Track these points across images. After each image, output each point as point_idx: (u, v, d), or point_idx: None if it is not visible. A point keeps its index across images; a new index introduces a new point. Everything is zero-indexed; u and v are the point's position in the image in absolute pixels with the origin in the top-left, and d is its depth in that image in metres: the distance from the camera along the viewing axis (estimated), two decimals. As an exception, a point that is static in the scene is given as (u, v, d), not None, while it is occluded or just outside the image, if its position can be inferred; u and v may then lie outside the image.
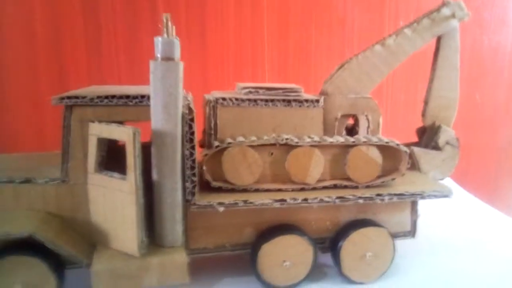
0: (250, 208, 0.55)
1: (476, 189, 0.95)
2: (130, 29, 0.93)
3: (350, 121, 0.69)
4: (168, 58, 0.47)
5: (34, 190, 0.52)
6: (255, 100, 0.58)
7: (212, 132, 0.57)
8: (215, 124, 0.57)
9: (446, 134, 0.69)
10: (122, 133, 0.47)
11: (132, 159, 0.47)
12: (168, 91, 0.47)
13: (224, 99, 0.57)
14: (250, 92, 0.59)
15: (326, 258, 0.63)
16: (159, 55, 0.47)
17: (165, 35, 0.47)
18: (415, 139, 0.74)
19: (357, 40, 0.98)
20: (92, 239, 0.53)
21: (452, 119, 0.71)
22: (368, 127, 0.65)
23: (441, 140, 0.69)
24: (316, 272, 0.60)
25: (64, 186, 0.52)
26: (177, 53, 0.48)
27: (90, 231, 0.53)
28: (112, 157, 0.52)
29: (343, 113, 0.64)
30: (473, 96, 1.05)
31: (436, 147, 0.70)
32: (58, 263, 0.52)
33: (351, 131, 0.69)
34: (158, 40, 0.47)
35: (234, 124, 0.58)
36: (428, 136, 0.71)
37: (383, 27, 0.98)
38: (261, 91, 0.59)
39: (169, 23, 0.47)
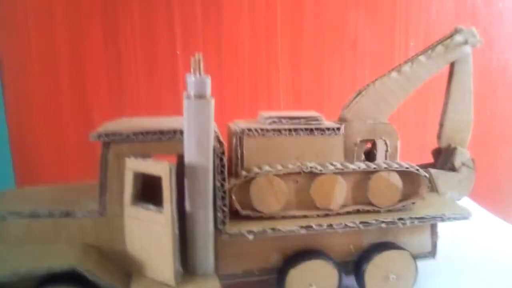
0: (273, 236, 0.57)
1: (489, 205, 0.96)
2: (149, 57, 0.97)
3: (368, 145, 0.71)
4: (200, 96, 0.50)
5: (73, 223, 0.54)
6: (279, 130, 0.60)
7: (239, 161, 0.60)
8: (242, 154, 0.59)
9: (462, 156, 0.72)
10: (158, 169, 0.50)
11: (168, 193, 0.49)
12: (200, 127, 0.50)
13: (250, 130, 0.59)
14: (274, 122, 0.61)
15: (350, 280, 0.64)
16: (192, 93, 0.50)
17: (197, 74, 0.50)
18: (426, 159, 0.76)
19: (368, 61, 1.01)
20: (128, 269, 0.55)
21: (467, 141, 0.73)
22: (387, 151, 0.67)
23: (457, 162, 0.71)
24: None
25: (101, 219, 0.54)
26: (209, 91, 0.50)
27: (126, 261, 0.55)
28: (146, 186, 0.54)
29: (362, 138, 0.66)
30: (483, 111, 1.08)
31: (453, 169, 0.72)
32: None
33: (369, 155, 0.71)
34: (191, 79, 0.50)
35: (259, 153, 0.60)
36: (444, 157, 0.74)
37: (394, 49, 1.01)
38: (284, 120, 0.61)
39: (201, 63, 0.50)
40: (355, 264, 0.63)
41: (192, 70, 0.51)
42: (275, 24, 0.98)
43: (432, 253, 0.67)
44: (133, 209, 0.53)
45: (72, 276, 0.52)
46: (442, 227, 0.66)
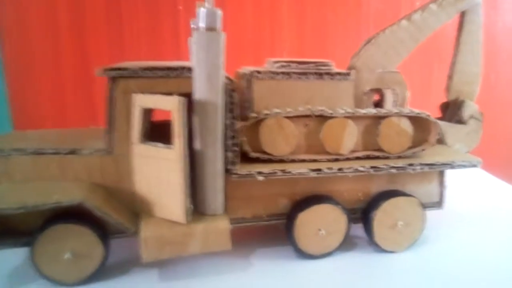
0: (285, 178, 0.57)
1: (490, 166, 0.96)
2: (151, 12, 0.95)
3: (376, 97, 0.70)
4: (211, 29, 0.48)
5: (79, 161, 0.53)
6: (288, 73, 0.59)
7: (248, 104, 0.59)
8: (250, 96, 0.58)
9: (470, 108, 0.71)
10: (168, 103, 0.49)
11: (179, 127, 0.48)
12: (211, 61, 0.49)
13: (259, 72, 0.58)
14: (283, 66, 0.60)
15: (356, 230, 0.64)
16: (202, 25, 0.48)
17: (209, 5, 0.48)
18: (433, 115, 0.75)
19: (373, 21, 1.00)
20: (135, 209, 0.54)
21: (475, 94, 0.73)
22: (395, 101, 0.67)
23: (466, 114, 0.71)
24: (347, 242, 0.62)
25: (108, 157, 0.53)
26: (219, 24, 0.49)
27: (133, 200, 0.54)
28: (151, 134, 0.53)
29: (370, 87, 0.66)
30: (488, 76, 1.07)
31: (461, 121, 0.71)
32: (104, 232, 0.53)
33: (377, 106, 0.70)
34: (201, 11, 0.48)
35: (268, 96, 0.59)
36: (452, 110, 0.73)
37: (400, 9, 0.99)
38: (293, 65, 0.60)
39: (212, -6, 0.49)
40: (363, 212, 0.63)
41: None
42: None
43: (439, 203, 0.66)
44: (142, 146, 0.52)
45: (78, 214, 0.51)
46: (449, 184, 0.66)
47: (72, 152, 0.53)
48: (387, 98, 0.68)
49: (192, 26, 0.65)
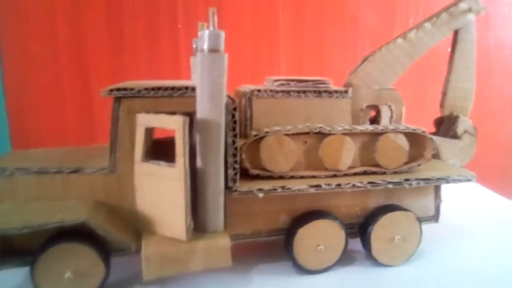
0: (285, 194, 0.58)
1: (484, 179, 0.98)
2: (150, 31, 0.96)
3: (372, 114, 0.72)
4: (214, 50, 0.50)
5: (83, 180, 0.54)
6: (288, 92, 0.60)
7: (248, 122, 0.60)
8: (251, 115, 0.60)
9: (464, 124, 0.73)
10: (172, 122, 0.49)
11: (182, 146, 0.49)
12: (214, 82, 0.50)
13: (259, 90, 0.59)
14: (282, 84, 0.61)
15: (354, 244, 0.65)
16: (205, 47, 0.50)
17: (212, 28, 0.50)
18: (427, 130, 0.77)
19: (369, 37, 1.02)
20: (137, 226, 0.55)
21: (469, 109, 0.74)
22: (392, 117, 0.68)
23: (460, 129, 0.72)
24: (345, 256, 0.63)
25: (112, 175, 0.54)
26: (222, 45, 0.50)
27: (135, 218, 0.55)
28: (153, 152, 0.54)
29: (367, 104, 0.67)
30: (481, 91, 1.09)
31: (455, 136, 0.73)
32: (105, 251, 0.54)
33: (374, 122, 0.71)
34: (205, 33, 0.50)
35: (268, 114, 0.60)
36: (446, 126, 0.75)
37: (394, 25, 1.02)
38: (292, 83, 0.62)
39: (215, 17, 0.50)
40: (361, 226, 0.64)
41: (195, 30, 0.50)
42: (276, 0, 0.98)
43: (435, 217, 0.68)
44: (144, 165, 0.53)
45: (80, 232, 0.52)
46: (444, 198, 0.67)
47: (76, 171, 0.53)
48: (383, 114, 0.70)
49: (194, 45, 0.67)
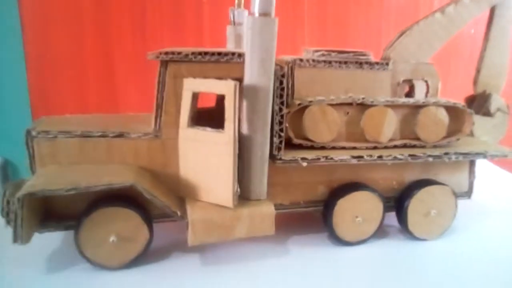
0: (324, 165, 0.58)
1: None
2: (174, 5, 0.94)
3: (406, 90, 0.71)
4: (265, 14, 0.49)
5: (127, 145, 0.53)
6: (330, 62, 0.60)
7: (289, 92, 0.59)
8: (292, 84, 0.59)
9: (497, 101, 0.73)
10: (223, 87, 0.49)
11: (232, 111, 0.49)
12: (264, 46, 0.49)
13: (301, 60, 0.59)
14: (323, 54, 0.61)
15: (386, 219, 0.65)
16: (256, 11, 0.49)
17: (263, -9, 0.49)
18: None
19: (394, 16, 1.01)
20: (180, 193, 0.55)
21: (501, 87, 0.74)
22: (428, 92, 0.68)
23: (493, 107, 0.72)
24: (379, 230, 0.63)
25: (156, 140, 0.53)
26: (273, 9, 0.49)
27: (179, 184, 0.54)
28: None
29: (404, 78, 0.66)
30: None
31: (487, 114, 0.73)
32: (149, 216, 0.54)
33: (408, 96, 0.71)
34: (257, -3, 0.49)
35: (309, 84, 0.60)
36: (478, 103, 0.74)
37: (418, 5, 1.01)
38: (333, 54, 0.61)
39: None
40: (397, 200, 0.64)
41: None
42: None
43: (468, 193, 0.68)
44: (190, 130, 0.52)
45: (121, 197, 0.52)
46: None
47: (120, 135, 0.53)
48: (417, 89, 0.69)
49: (230, 15, 0.66)
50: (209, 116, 0.54)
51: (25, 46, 0.91)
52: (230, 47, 0.68)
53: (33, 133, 0.52)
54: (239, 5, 0.67)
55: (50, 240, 0.58)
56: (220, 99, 0.67)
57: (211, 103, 0.69)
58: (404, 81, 0.67)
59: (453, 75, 0.74)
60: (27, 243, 0.49)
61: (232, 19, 0.66)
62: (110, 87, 0.95)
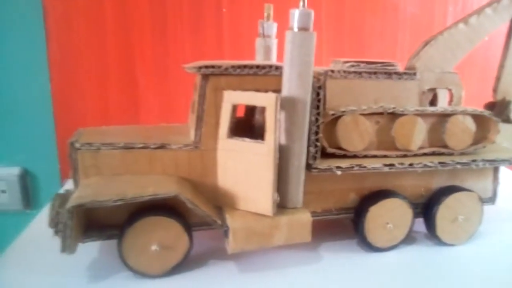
0: (356, 174, 0.59)
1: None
2: (194, 13, 0.96)
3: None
4: (304, 28, 0.50)
5: (168, 155, 0.55)
6: (359, 73, 0.61)
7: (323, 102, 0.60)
8: (324, 95, 0.60)
9: (517, 108, 0.74)
10: (263, 99, 0.50)
11: (273, 123, 0.50)
12: (303, 60, 0.51)
13: (333, 71, 0.60)
14: (353, 65, 0.62)
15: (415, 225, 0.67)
16: (295, 26, 0.50)
17: (302, 7, 0.50)
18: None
19: (409, 25, 1.03)
20: (217, 202, 0.56)
21: (521, 95, 0.76)
22: (452, 100, 0.70)
23: (512, 114, 0.74)
24: (408, 236, 0.64)
25: (196, 151, 0.55)
26: (311, 24, 0.51)
27: (217, 194, 0.56)
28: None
29: (429, 87, 0.68)
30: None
31: (507, 121, 0.74)
32: (189, 224, 0.55)
33: (432, 105, 0.73)
34: (296, 12, 0.50)
35: (340, 95, 0.61)
36: (498, 110, 0.76)
37: (434, 14, 1.03)
38: (362, 64, 0.63)
39: (306, -4, 0.51)
40: (424, 206, 0.65)
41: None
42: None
43: (492, 199, 0.70)
44: (229, 141, 0.53)
45: (164, 207, 0.53)
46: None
47: (162, 146, 0.54)
48: (440, 98, 0.71)
49: (260, 28, 0.68)
50: (239, 126, 0.55)
51: (49, 55, 0.92)
52: (259, 58, 0.69)
53: (77, 145, 0.53)
54: (268, 18, 0.68)
55: (88, 250, 0.60)
56: (250, 110, 0.68)
57: (240, 113, 0.71)
58: (429, 89, 0.69)
59: (467, 82, 0.76)
60: (74, 252, 0.50)
61: (261, 31, 0.68)
62: (132, 95, 0.97)
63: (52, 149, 0.96)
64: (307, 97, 0.52)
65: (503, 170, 0.70)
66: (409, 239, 0.65)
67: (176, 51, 0.96)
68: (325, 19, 1.00)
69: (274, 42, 0.71)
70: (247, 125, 0.67)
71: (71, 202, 0.48)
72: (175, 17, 0.95)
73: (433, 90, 0.71)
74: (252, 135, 0.53)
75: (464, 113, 0.62)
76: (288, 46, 0.51)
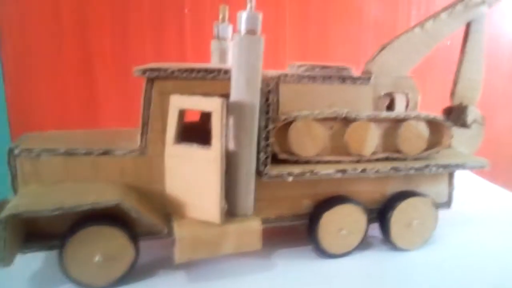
0: (310, 180, 0.58)
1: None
2: (156, 14, 0.94)
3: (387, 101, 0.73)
4: (252, 32, 0.49)
5: (112, 162, 0.53)
6: (313, 77, 0.61)
7: (274, 107, 0.59)
8: (277, 99, 0.59)
9: (473, 114, 0.75)
10: (209, 104, 0.49)
11: (219, 129, 0.49)
12: (251, 64, 0.50)
13: (286, 75, 0.59)
14: (307, 69, 0.61)
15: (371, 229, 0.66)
16: (243, 29, 0.49)
17: (249, 9, 0.49)
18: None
19: (372, 29, 1.03)
20: (165, 209, 0.54)
21: (477, 99, 0.76)
22: (408, 105, 0.70)
23: (469, 119, 0.75)
24: (363, 242, 0.64)
25: (142, 157, 0.53)
26: (260, 27, 0.50)
27: (165, 201, 0.54)
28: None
29: (385, 91, 0.68)
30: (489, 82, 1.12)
31: (464, 125, 0.75)
32: (134, 234, 0.53)
33: (389, 110, 0.73)
34: (242, 14, 0.49)
35: (293, 99, 0.60)
36: (455, 115, 0.76)
37: (397, 18, 1.03)
38: (317, 69, 0.62)
39: (253, -1, 0.49)
40: (379, 212, 0.65)
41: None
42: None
43: (447, 203, 0.70)
44: (177, 147, 0.52)
45: (107, 216, 0.51)
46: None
47: (106, 152, 0.52)
48: (397, 102, 0.71)
49: (215, 30, 0.66)
50: (193, 131, 0.54)
51: (2, 55, 0.89)
52: (214, 61, 0.68)
53: (16, 151, 0.51)
54: (223, 20, 0.67)
55: (31, 261, 0.57)
56: (205, 114, 0.67)
57: (196, 117, 0.69)
58: (385, 94, 0.69)
59: (429, 86, 0.76)
60: (10, 265, 0.48)
61: (216, 33, 0.67)
62: (91, 99, 0.94)
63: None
64: (256, 102, 0.51)
65: (466, 173, 0.70)
66: (365, 244, 0.65)
67: (137, 56, 0.94)
68: (289, 21, 0.99)
69: (229, 45, 0.70)
70: (202, 130, 0.65)
71: (4, 212, 0.45)
72: (136, 22, 0.93)
73: (390, 95, 0.70)
74: (206, 140, 0.52)
75: (418, 118, 0.62)
76: (235, 49, 0.50)
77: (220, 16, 0.67)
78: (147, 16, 0.93)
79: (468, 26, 0.73)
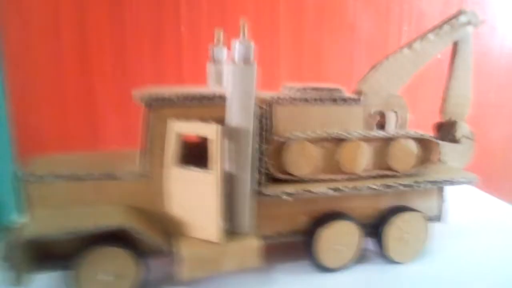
0: (306, 197, 0.61)
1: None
2: (153, 33, 0.97)
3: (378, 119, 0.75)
4: (245, 60, 0.52)
5: (114, 185, 0.55)
6: (306, 99, 0.63)
7: (268, 128, 0.62)
8: (271, 121, 0.62)
9: (462, 129, 0.78)
10: (207, 130, 0.52)
11: (217, 153, 0.52)
12: (244, 91, 0.52)
13: (279, 98, 0.62)
14: (300, 91, 0.64)
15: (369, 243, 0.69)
16: (236, 58, 0.52)
17: (242, 39, 0.52)
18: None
19: (365, 44, 1.06)
20: (167, 230, 0.57)
21: (466, 115, 0.79)
22: (397, 122, 0.72)
23: (458, 134, 0.77)
24: (359, 255, 0.66)
25: (143, 180, 0.55)
26: (253, 55, 0.53)
27: (166, 222, 0.56)
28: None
29: (376, 110, 0.71)
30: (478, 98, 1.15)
31: (454, 140, 0.78)
32: (139, 253, 0.55)
33: (380, 127, 0.75)
34: (236, 44, 0.52)
35: (287, 121, 0.63)
36: (445, 130, 0.79)
37: (388, 33, 1.06)
38: (309, 90, 0.65)
39: (246, 27, 0.52)
40: (373, 226, 0.67)
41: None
42: (277, 7, 1.01)
43: (438, 217, 0.72)
44: (176, 170, 0.54)
45: (113, 236, 0.53)
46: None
47: (108, 176, 0.55)
48: (389, 120, 0.73)
49: (210, 52, 0.69)
50: (194, 150, 0.56)
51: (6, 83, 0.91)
52: (211, 83, 0.71)
53: (21, 175, 0.53)
54: (218, 43, 0.70)
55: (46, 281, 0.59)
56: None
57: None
58: (375, 112, 0.71)
59: (420, 101, 0.79)
60: (26, 285, 0.50)
61: (212, 56, 0.69)
62: (91, 120, 0.97)
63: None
64: (250, 126, 0.54)
65: (460, 186, 0.72)
66: (363, 257, 0.67)
67: (136, 77, 0.97)
68: (283, 39, 1.02)
69: (224, 67, 0.72)
70: (203, 150, 0.68)
71: (20, 237, 0.48)
72: (134, 45, 0.96)
73: (380, 113, 0.73)
74: (205, 159, 0.54)
75: (406, 136, 0.65)
76: (229, 77, 0.52)
77: (215, 39, 0.70)
78: (145, 37, 0.96)
79: (455, 45, 0.76)
